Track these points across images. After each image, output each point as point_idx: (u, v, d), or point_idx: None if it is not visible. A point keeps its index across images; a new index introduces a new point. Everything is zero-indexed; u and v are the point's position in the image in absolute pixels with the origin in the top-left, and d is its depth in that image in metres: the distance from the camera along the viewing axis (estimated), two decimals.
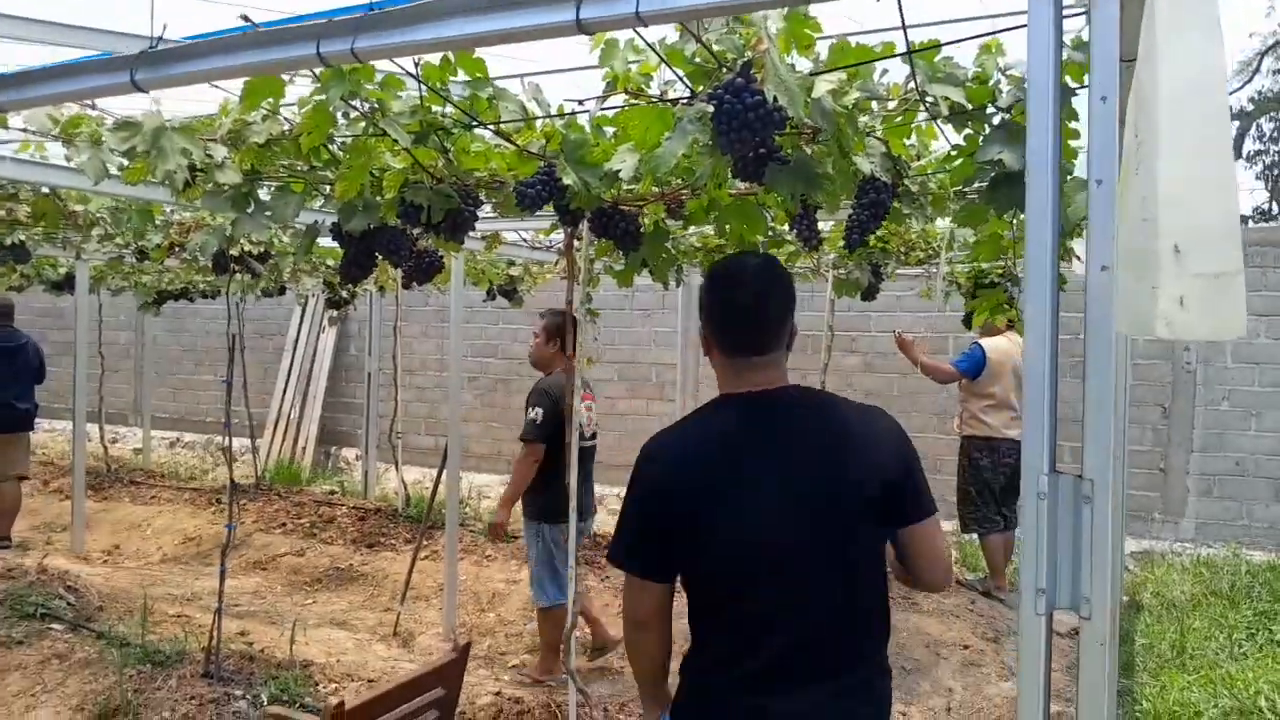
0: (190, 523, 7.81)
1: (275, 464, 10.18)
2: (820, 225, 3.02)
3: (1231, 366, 7.31)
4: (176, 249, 5.50)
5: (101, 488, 9.03)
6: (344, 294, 6.96)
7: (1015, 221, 2.49)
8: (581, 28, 1.53)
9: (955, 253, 4.70)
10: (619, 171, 2.14)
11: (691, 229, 4.05)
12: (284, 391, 10.97)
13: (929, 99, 2.05)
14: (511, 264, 6.81)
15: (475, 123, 2.16)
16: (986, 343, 5.98)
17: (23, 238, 5.24)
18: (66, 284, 7.46)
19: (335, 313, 7.50)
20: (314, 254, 4.41)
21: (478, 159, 2.43)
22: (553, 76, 2.30)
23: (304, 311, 10.91)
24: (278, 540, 7.33)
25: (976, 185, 2.51)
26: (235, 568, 6.60)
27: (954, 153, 2.30)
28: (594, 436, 4.69)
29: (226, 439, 4.05)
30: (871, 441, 1.79)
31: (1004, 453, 5.91)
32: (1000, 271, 5.71)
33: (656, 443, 1.86)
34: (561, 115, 2.23)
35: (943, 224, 4.46)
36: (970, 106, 2.13)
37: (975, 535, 6.25)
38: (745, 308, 1.83)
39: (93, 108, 2.48)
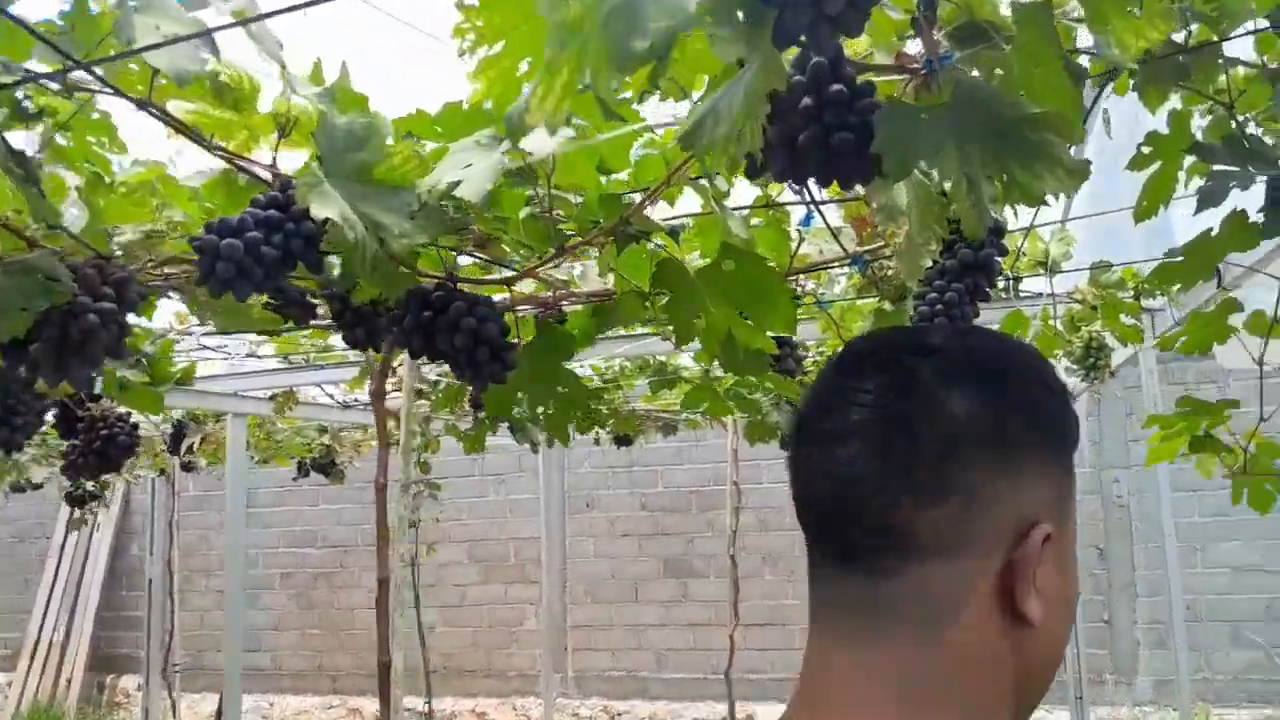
0: None
1: (29, 706, 7.88)
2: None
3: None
4: None
5: None
6: (89, 486, 5.22)
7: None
8: None
9: None
10: (456, 184, 0.85)
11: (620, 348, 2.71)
12: (45, 609, 8.72)
13: None
14: (323, 430, 5.31)
15: (75, 64, 0.83)
16: None
17: None
18: None
19: (79, 512, 5.70)
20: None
21: (134, 204, 1.09)
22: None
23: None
24: None
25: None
26: None
27: (1145, 149, 1.14)
28: None
29: None
30: None
31: None
32: None
33: None
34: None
35: None
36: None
37: None
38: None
39: None
